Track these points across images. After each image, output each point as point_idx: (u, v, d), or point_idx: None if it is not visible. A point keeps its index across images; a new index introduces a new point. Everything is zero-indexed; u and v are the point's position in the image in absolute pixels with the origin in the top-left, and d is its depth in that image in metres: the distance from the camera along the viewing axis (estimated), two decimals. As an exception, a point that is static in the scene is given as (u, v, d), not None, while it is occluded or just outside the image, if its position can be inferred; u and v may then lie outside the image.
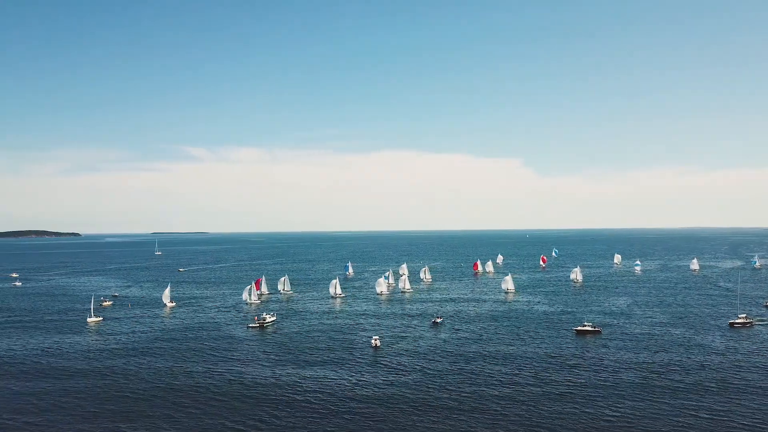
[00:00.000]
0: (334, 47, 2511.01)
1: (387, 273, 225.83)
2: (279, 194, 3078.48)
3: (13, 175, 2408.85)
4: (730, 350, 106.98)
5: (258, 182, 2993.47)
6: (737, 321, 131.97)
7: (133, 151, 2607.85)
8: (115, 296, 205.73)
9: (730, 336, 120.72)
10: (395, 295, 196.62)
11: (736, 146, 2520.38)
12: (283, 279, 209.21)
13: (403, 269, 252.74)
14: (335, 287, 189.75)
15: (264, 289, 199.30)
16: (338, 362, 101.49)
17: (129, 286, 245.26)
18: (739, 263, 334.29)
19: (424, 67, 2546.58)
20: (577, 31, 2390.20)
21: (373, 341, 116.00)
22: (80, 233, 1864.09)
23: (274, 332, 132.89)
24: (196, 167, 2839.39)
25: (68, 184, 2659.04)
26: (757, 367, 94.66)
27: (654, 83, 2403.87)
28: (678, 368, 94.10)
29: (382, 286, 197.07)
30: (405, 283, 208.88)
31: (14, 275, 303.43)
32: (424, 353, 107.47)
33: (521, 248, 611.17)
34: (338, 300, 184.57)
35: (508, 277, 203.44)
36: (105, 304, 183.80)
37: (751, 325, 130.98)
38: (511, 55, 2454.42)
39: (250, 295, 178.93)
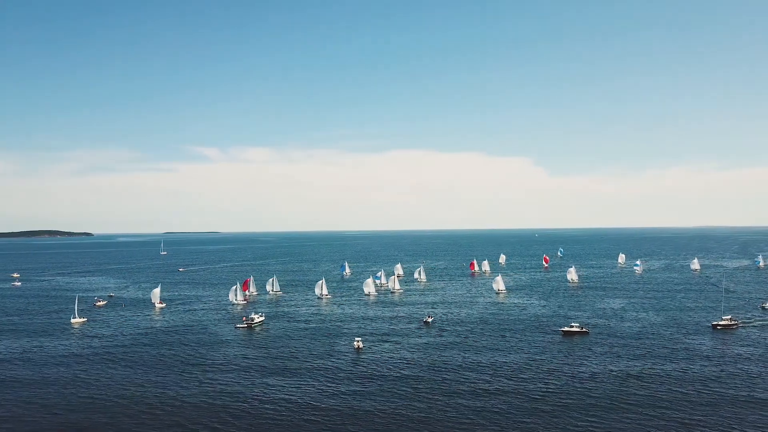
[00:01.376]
0: (346, 47, 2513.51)
1: (379, 273, 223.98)
2: (290, 194, 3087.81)
3: (27, 175, 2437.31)
4: (711, 355, 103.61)
5: (269, 182, 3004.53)
6: (721, 323, 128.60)
7: (146, 152, 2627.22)
8: (111, 296, 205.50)
9: (712, 339, 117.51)
10: (384, 296, 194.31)
11: (752, 144, 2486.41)
12: (271, 279, 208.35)
13: (398, 269, 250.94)
14: (321, 288, 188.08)
15: (252, 289, 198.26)
16: (316, 368, 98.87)
17: (127, 286, 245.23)
18: (745, 263, 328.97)
19: (435, 66, 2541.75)
20: (589, 31, 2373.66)
21: (355, 343, 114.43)
22: (92, 233, 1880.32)
23: (259, 333, 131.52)
24: (207, 167, 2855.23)
25: (81, 185, 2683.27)
26: (737, 373, 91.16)
27: (667, 82, 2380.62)
28: (656, 374, 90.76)
29: (370, 286, 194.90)
30: (395, 284, 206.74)
31: (15, 275, 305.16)
32: (405, 357, 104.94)
33: (528, 248, 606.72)
34: (324, 301, 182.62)
35: (499, 278, 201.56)
36: (99, 304, 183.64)
37: (736, 327, 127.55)
38: (522, 55, 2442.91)
39: (236, 295, 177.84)
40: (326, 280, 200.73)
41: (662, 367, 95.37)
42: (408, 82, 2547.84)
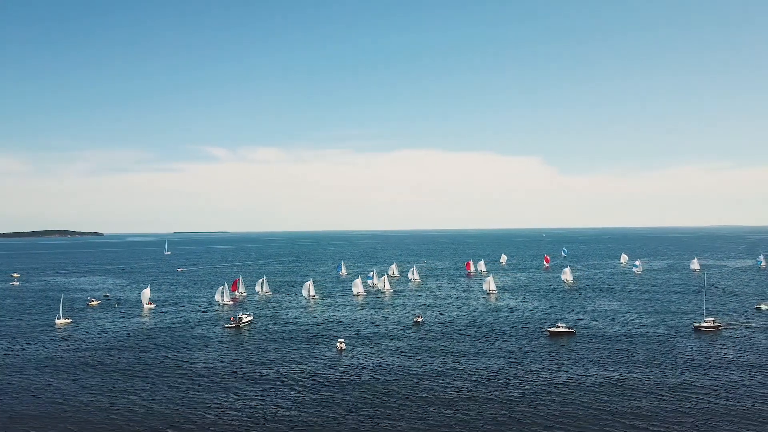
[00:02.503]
0: (355, 46, 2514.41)
1: (371, 273, 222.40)
2: (298, 194, 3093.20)
3: (37, 175, 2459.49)
4: (688, 359, 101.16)
5: (277, 182, 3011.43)
6: (703, 325, 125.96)
7: (155, 152, 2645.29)
8: (106, 296, 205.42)
9: (693, 342, 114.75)
10: (373, 297, 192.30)
11: (765, 142, 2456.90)
12: (261, 280, 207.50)
13: (393, 269, 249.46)
14: (309, 289, 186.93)
15: (242, 289, 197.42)
16: (291, 372, 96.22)
17: (124, 286, 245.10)
18: (749, 263, 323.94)
19: (444, 65, 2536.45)
20: (599, 29, 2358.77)
21: (338, 345, 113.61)
22: (103, 233, 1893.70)
23: (244, 334, 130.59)
24: (216, 167, 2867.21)
25: (91, 185, 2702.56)
26: (711, 380, 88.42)
27: (680, 80, 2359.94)
28: (632, 380, 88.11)
29: (358, 287, 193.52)
30: (385, 284, 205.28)
31: (15, 275, 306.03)
32: (383, 362, 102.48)
33: (533, 248, 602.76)
34: (312, 302, 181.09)
35: (490, 278, 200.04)
36: (92, 303, 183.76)
37: (719, 329, 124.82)
38: (532, 53, 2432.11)
39: (222, 296, 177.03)
40: (320, 281, 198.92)
41: (640, 370, 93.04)
42: (417, 81, 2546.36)
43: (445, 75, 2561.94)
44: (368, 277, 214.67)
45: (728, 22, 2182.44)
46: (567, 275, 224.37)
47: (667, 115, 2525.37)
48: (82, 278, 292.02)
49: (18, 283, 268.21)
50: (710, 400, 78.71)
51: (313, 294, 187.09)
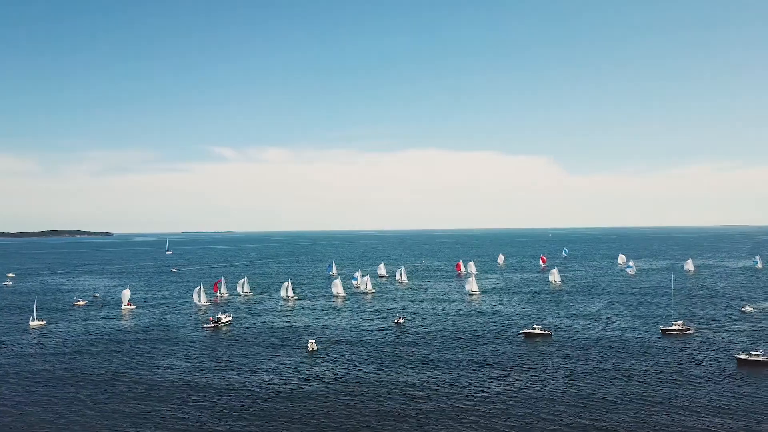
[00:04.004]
0: (360, 47, 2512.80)
1: (356, 273, 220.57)
2: (305, 194, 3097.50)
3: (47, 176, 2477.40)
4: (654, 364, 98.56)
5: (284, 182, 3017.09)
6: (671, 328, 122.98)
7: (163, 152, 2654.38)
8: (96, 296, 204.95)
9: (659, 346, 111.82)
10: (354, 298, 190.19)
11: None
12: (242, 281, 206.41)
13: (381, 269, 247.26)
14: (287, 290, 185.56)
15: (223, 290, 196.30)
16: (248, 381, 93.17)
17: (116, 287, 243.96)
18: (748, 263, 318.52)
19: (450, 65, 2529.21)
20: (605, 29, 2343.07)
21: (309, 345, 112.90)
22: (112, 233, 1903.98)
23: (219, 336, 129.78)
24: (224, 167, 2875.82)
25: (101, 185, 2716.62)
26: (678, 395, 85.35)
27: (686, 80, 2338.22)
28: (592, 389, 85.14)
29: (338, 287, 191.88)
30: (368, 285, 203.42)
31: (10, 275, 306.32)
32: (348, 369, 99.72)
33: (536, 248, 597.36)
34: (290, 303, 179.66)
35: (472, 279, 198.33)
36: (78, 304, 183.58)
37: (688, 332, 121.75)
38: (540, 53, 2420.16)
39: (199, 296, 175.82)
40: (308, 281, 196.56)
41: (605, 376, 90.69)
42: (423, 81, 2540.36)
43: (451, 75, 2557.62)
44: (353, 278, 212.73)
45: (734, 22, 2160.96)
46: (555, 276, 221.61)
47: (674, 114, 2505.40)
48: (77, 278, 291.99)
49: (11, 283, 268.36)
50: (668, 410, 75.69)
51: (292, 295, 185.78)
